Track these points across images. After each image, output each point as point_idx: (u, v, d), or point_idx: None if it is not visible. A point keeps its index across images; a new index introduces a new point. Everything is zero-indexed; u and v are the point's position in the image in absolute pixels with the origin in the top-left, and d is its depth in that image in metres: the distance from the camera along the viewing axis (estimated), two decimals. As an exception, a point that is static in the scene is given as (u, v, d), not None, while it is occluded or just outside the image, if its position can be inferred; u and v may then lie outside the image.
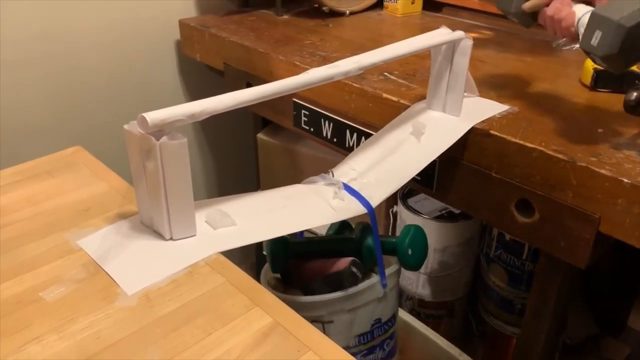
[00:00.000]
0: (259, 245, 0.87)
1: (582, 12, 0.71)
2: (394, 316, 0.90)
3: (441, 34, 0.79)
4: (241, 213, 0.68)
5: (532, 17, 0.79)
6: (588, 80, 0.89)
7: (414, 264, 0.86)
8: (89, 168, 0.79)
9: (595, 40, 0.65)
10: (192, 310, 0.54)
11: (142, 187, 0.62)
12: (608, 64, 0.67)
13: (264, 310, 0.54)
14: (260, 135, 1.33)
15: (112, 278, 0.58)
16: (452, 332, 1.28)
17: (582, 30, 0.68)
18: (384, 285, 0.83)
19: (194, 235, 0.63)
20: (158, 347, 0.50)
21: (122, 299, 0.56)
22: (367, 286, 0.82)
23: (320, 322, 0.80)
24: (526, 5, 0.77)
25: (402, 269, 0.89)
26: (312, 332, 0.52)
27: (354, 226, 0.90)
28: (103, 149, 0.99)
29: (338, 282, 0.82)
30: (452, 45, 0.80)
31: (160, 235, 0.63)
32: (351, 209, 0.74)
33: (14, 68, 1.12)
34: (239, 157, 1.60)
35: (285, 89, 0.64)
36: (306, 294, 0.82)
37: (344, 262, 0.84)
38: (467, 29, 1.20)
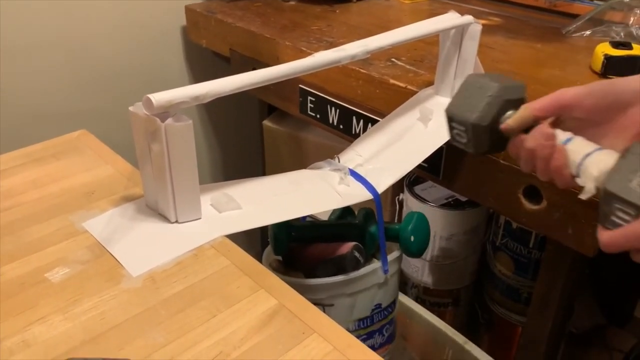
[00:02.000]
0: (264, 234, 0.86)
1: (584, 153, 0.51)
2: (394, 302, 0.90)
3: (450, 19, 0.78)
4: (246, 197, 0.68)
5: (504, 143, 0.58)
6: (598, 67, 0.88)
7: (416, 251, 0.86)
8: (94, 151, 0.79)
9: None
10: (197, 292, 0.54)
11: (147, 169, 0.62)
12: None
13: (268, 293, 0.54)
14: (266, 122, 1.32)
15: (117, 260, 0.58)
16: (457, 320, 1.28)
17: (583, 179, 0.51)
18: (386, 271, 0.83)
19: (199, 218, 0.63)
20: (163, 329, 0.50)
21: (127, 280, 0.55)
22: (368, 271, 0.81)
23: (321, 305, 0.80)
24: (510, 124, 0.56)
25: (408, 258, 0.89)
26: (317, 315, 0.52)
27: (356, 212, 0.89)
28: (108, 133, 0.98)
29: (340, 265, 0.81)
30: (461, 29, 0.79)
31: (165, 218, 0.63)
32: (357, 195, 0.74)
33: (19, 53, 1.12)
34: (245, 144, 1.60)
35: (291, 72, 0.64)
36: (308, 277, 0.82)
37: (346, 247, 0.84)
38: (475, 15, 1.18)
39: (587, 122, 0.53)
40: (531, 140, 0.54)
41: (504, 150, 0.58)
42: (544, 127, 0.53)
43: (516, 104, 0.57)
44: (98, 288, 0.54)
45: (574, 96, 0.53)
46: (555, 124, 0.54)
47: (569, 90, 0.54)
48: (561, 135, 0.53)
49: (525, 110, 0.55)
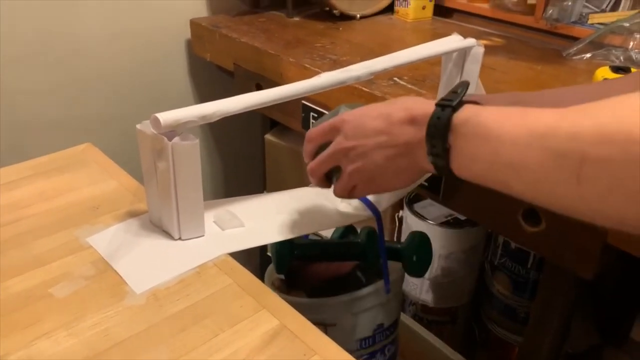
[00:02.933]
0: (263, 247, 0.87)
1: None
2: (396, 322, 0.91)
3: (453, 41, 0.79)
4: (249, 214, 0.68)
5: None
6: (598, 90, 0.89)
7: (419, 271, 0.86)
8: (99, 165, 0.80)
9: None
10: (200, 310, 0.55)
11: (152, 186, 0.63)
12: None
13: (270, 313, 0.55)
14: (267, 137, 1.33)
15: (121, 276, 0.59)
16: (454, 339, 1.28)
17: None
18: (388, 291, 0.83)
19: (203, 235, 0.64)
20: (166, 347, 0.51)
21: (130, 297, 0.56)
22: (371, 291, 0.82)
23: (323, 325, 0.81)
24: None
25: (406, 275, 0.89)
26: (319, 336, 0.52)
27: (358, 230, 0.90)
28: (114, 147, 0.99)
29: (342, 285, 0.82)
30: (464, 52, 0.80)
31: (169, 235, 0.64)
32: (358, 214, 0.75)
33: (26, 65, 1.13)
34: (246, 157, 1.61)
35: (298, 92, 0.65)
36: (310, 296, 0.83)
37: (348, 266, 0.85)
38: (477, 35, 1.20)
39: None
40: None
41: None
42: None
43: None
44: (102, 304, 0.55)
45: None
46: None
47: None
48: None
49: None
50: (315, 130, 0.59)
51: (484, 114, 0.44)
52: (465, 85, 0.50)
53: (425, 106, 0.49)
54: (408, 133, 0.50)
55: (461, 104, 0.46)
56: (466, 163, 0.46)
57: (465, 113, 0.45)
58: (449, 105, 0.46)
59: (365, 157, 0.53)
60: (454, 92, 0.48)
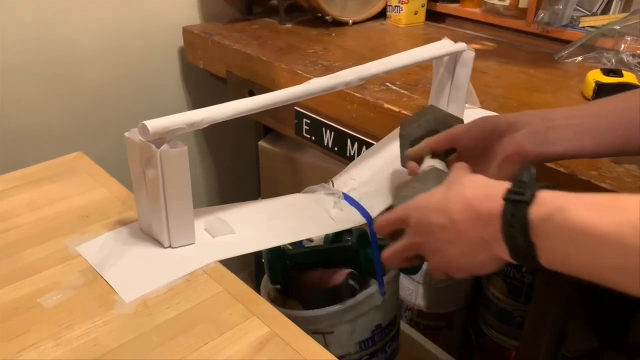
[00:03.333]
0: (258, 254, 0.87)
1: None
2: (395, 319, 0.90)
3: (443, 46, 0.80)
4: (241, 222, 0.68)
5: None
6: (590, 93, 0.89)
7: (413, 270, 0.86)
8: (89, 174, 0.79)
9: None
10: (190, 319, 0.54)
11: (142, 194, 0.62)
12: None
13: (261, 320, 0.54)
14: (261, 143, 1.33)
15: (110, 285, 0.58)
16: (451, 344, 1.27)
17: None
18: (383, 294, 0.83)
19: (193, 243, 0.63)
20: (155, 356, 0.50)
21: (120, 306, 0.55)
22: (365, 297, 0.81)
23: (320, 334, 0.80)
24: (409, 151, 0.67)
25: (401, 281, 0.89)
26: (310, 344, 0.52)
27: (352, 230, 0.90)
28: (105, 156, 0.99)
29: (336, 295, 0.81)
30: (455, 56, 0.80)
31: (159, 243, 0.63)
32: (351, 220, 0.74)
33: (17, 74, 1.13)
34: (241, 164, 1.60)
35: (286, 99, 0.65)
36: (305, 307, 0.82)
37: (341, 275, 0.84)
38: (470, 40, 1.20)
39: (473, 150, 0.62)
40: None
41: None
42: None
43: None
44: (91, 314, 0.54)
45: (461, 130, 0.63)
46: (457, 158, 0.64)
47: (459, 126, 0.64)
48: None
49: (424, 144, 0.65)
50: (382, 221, 0.59)
51: (570, 209, 0.39)
52: (529, 171, 0.45)
53: (488, 201, 0.45)
54: (476, 230, 0.47)
55: (534, 196, 0.42)
56: (558, 261, 0.42)
57: (545, 208, 0.41)
58: (522, 200, 0.42)
59: (440, 253, 0.51)
60: (520, 181, 0.44)
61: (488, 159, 0.61)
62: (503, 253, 0.45)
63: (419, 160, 0.66)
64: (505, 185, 0.45)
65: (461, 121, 0.69)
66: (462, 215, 0.47)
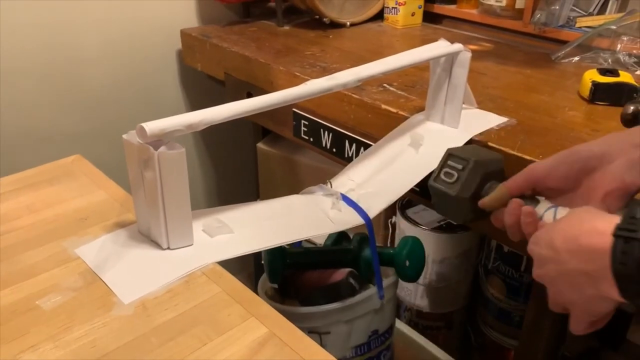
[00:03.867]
0: (257, 255, 0.87)
1: (544, 209, 0.58)
2: (391, 327, 0.90)
3: (440, 47, 0.80)
4: (239, 222, 0.68)
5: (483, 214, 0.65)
6: (586, 93, 0.89)
7: (412, 276, 0.86)
8: (88, 177, 0.80)
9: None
10: (188, 319, 0.54)
11: (140, 196, 0.62)
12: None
13: (259, 321, 0.54)
14: (260, 145, 1.33)
15: (108, 287, 0.58)
16: (450, 344, 1.28)
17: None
18: (381, 297, 0.83)
19: (191, 244, 0.64)
20: (154, 357, 0.50)
21: (118, 307, 0.56)
22: (364, 297, 0.82)
23: (317, 333, 0.80)
24: (486, 203, 0.63)
25: (400, 281, 0.89)
26: (308, 344, 0.52)
27: (351, 236, 0.90)
28: (103, 158, 0.99)
29: (335, 293, 0.81)
30: (451, 57, 0.80)
31: (157, 245, 0.63)
32: (349, 221, 0.75)
33: (15, 76, 1.13)
34: (239, 166, 1.61)
35: (283, 100, 0.65)
36: (303, 304, 0.82)
37: (341, 273, 0.84)
38: (467, 41, 1.21)
39: (559, 190, 0.57)
40: (510, 216, 0.58)
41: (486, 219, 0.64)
42: (525, 208, 0.57)
43: (495, 175, 0.64)
44: (89, 315, 0.55)
45: (543, 170, 0.58)
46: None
47: (538, 164, 0.59)
48: (539, 209, 0.58)
49: (501, 190, 0.61)
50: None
51: None
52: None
53: (595, 236, 0.43)
54: (580, 262, 0.44)
55: None
56: None
57: None
58: (635, 237, 0.40)
59: (553, 285, 0.50)
60: (632, 217, 0.41)
61: (577, 195, 0.57)
62: (611, 290, 0.43)
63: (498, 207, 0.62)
64: (614, 220, 0.43)
65: (500, 158, 0.67)
66: (565, 245, 0.46)
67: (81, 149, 0.91)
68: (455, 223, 0.63)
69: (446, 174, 0.66)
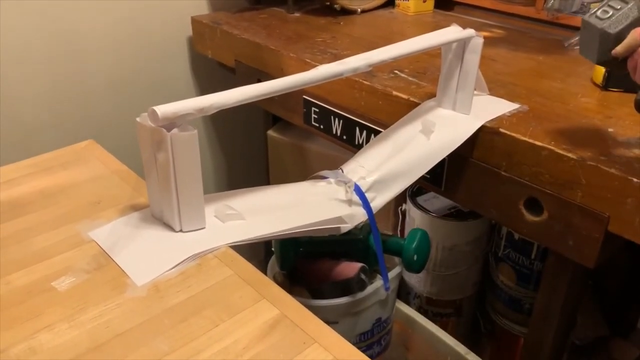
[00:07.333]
0: (267, 242, 0.87)
1: None
2: (392, 313, 0.91)
3: (452, 32, 0.79)
4: (250, 208, 0.68)
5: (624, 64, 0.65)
6: (599, 79, 0.88)
7: (417, 268, 0.87)
8: (101, 161, 0.80)
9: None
10: (201, 301, 0.55)
11: (153, 179, 0.63)
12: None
13: (270, 303, 0.55)
14: (270, 132, 1.33)
15: (122, 269, 0.59)
16: (459, 331, 1.28)
17: None
18: (387, 289, 0.83)
19: (203, 227, 0.64)
20: (166, 337, 0.51)
21: (131, 289, 0.56)
22: (372, 291, 0.82)
23: (325, 322, 0.81)
24: (618, 50, 0.64)
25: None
26: (318, 325, 0.53)
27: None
28: (115, 143, 1.00)
29: (347, 288, 0.82)
30: (463, 43, 0.80)
31: (170, 227, 0.64)
32: (357, 216, 0.74)
33: (29, 64, 1.14)
34: (249, 154, 1.61)
35: (294, 85, 0.65)
36: (313, 295, 0.83)
37: (353, 269, 0.84)
38: (478, 27, 1.20)
39: None
40: None
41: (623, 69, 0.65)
42: None
43: None
44: (103, 296, 0.55)
45: None
46: None
47: None
48: None
49: (633, 36, 0.62)
50: None
51: None
52: None
53: None
54: None
55: None
56: None
57: None
58: None
59: None
60: None
61: None
62: None
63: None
64: None
65: None
66: None
67: (93, 135, 0.92)
68: (594, 63, 0.65)
69: (603, 11, 0.66)
